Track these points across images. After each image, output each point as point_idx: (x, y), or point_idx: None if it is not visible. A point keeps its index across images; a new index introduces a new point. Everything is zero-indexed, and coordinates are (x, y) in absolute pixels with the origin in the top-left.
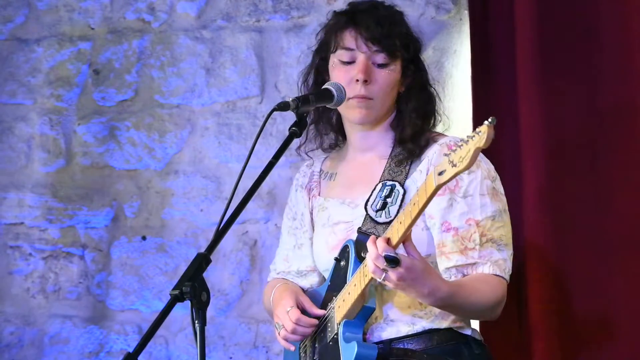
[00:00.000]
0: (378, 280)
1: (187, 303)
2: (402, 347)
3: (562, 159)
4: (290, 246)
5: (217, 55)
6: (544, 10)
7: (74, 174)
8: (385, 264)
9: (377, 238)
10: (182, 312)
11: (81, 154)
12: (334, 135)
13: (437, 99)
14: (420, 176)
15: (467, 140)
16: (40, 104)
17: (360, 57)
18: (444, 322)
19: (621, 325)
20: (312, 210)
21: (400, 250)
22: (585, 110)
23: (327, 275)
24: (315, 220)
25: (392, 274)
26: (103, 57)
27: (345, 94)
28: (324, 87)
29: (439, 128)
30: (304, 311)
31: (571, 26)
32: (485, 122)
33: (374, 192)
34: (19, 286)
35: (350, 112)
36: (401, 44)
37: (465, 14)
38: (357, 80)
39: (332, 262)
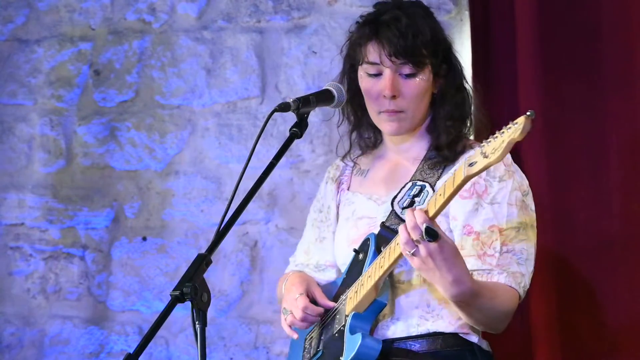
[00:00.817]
0: (407, 254)
1: (188, 304)
2: (404, 347)
3: (562, 160)
4: (313, 239)
5: (217, 56)
6: (545, 11)
7: (75, 175)
8: (421, 234)
9: (416, 209)
10: (183, 312)
11: (82, 155)
12: (373, 134)
13: (472, 99)
14: None
15: (503, 132)
16: (41, 105)
17: (386, 72)
18: (451, 326)
19: (624, 327)
20: (339, 203)
21: None
22: (586, 111)
23: (344, 269)
24: (340, 214)
25: (423, 249)
26: (104, 58)
27: (345, 96)
28: (324, 87)
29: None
30: (314, 301)
31: (572, 27)
32: (525, 114)
33: (403, 189)
34: (19, 287)
35: (383, 126)
36: (428, 52)
37: (466, 14)
38: (385, 96)
39: (351, 256)
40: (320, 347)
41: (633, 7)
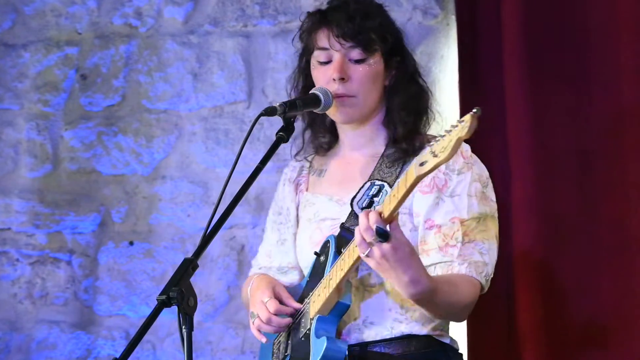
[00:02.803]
0: (362, 255)
1: (175, 308)
2: (378, 350)
3: (550, 164)
4: (274, 241)
5: (204, 60)
6: (531, 16)
7: (61, 179)
8: (374, 236)
9: (369, 210)
10: (170, 317)
11: (68, 159)
12: (329, 136)
13: (428, 93)
14: None
15: (450, 130)
16: (27, 109)
17: (336, 56)
18: (424, 328)
19: (611, 331)
20: (298, 205)
21: None
22: (573, 114)
23: (307, 272)
24: (301, 216)
25: (377, 250)
26: (90, 62)
27: (332, 99)
28: (311, 92)
29: (433, 127)
30: (281, 303)
31: (558, 31)
32: (471, 112)
33: (362, 189)
34: (5, 292)
35: (334, 113)
36: (378, 37)
37: (453, 19)
38: (334, 79)
39: (314, 258)
40: (288, 352)
41: (619, 11)
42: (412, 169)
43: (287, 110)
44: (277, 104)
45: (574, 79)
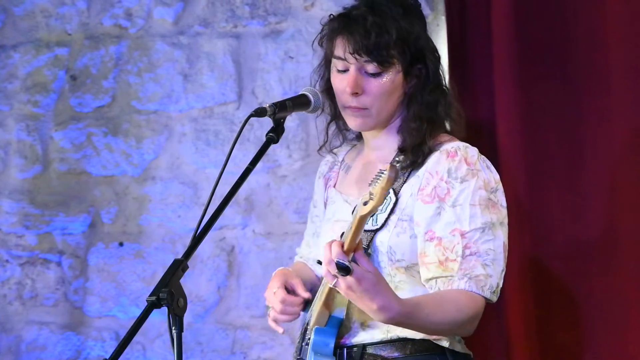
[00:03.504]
0: (330, 285)
1: (164, 309)
2: (374, 353)
3: (539, 165)
4: (311, 233)
5: (194, 61)
6: (521, 17)
7: (51, 180)
8: (336, 270)
9: (333, 242)
10: (160, 318)
11: (58, 160)
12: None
13: (447, 99)
14: (417, 181)
15: (380, 176)
16: (17, 110)
17: (351, 68)
18: (420, 332)
19: (603, 334)
20: (326, 200)
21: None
22: (563, 115)
23: None
24: (326, 212)
25: (342, 282)
26: (80, 63)
27: (321, 100)
28: (301, 92)
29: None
30: (294, 293)
31: (547, 31)
32: (390, 164)
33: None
34: None
35: (348, 120)
36: (396, 51)
37: (443, 19)
38: (348, 92)
39: None
40: (299, 355)
41: (608, 12)
42: (359, 208)
43: (277, 111)
44: (267, 104)
45: (564, 79)
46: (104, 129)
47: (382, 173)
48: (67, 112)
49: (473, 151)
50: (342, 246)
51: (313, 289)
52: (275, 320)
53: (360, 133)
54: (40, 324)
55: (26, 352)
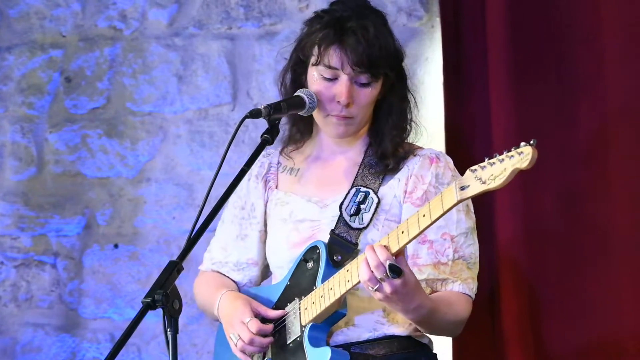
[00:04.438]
0: (369, 289)
1: (160, 311)
2: (361, 352)
3: (534, 166)
4: (233, 235)
5: (189, 62)
6: (516, 18)
7: (46, 182)
8: (384, 273)
9: (373, 246)
10: (155, 320)
11: (53, 162)
12: (304, 130)
13: (415, 107)
14: (399, 184)
15: (502, 159)
16: (12, 112)
17: (344, 78)
18: (405, 330)
19: (596, 335)
20: (266, 202)
21: None
22: (558, 116)
23: (281, 272)
24: (271, 214)
25: (388, 286)
26: (75, 65)
27: (317, 102)
28: (296, 94)
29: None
30: (260, 318)
31: (542, 32)
32: (528, 143)
33: (348, 196)
34: None
35: (329, 128)
36: (388, 65)
37: (437, 21)
38: (339, 102)
39: (292, 260)
40: (269, 356)
41: (603, 13)
42: (452, 192)
43: (272, 113)
44: (262, 106)
45: (558, 80)
46: (98, 131)
47: (519, 153)
48: (61, 114)
49: (449, 158)
50: (387, 249)
51: (258, 296)
52: (243, 351)
53: (307, 136)
54: (36, 325)
55: (21, 354)
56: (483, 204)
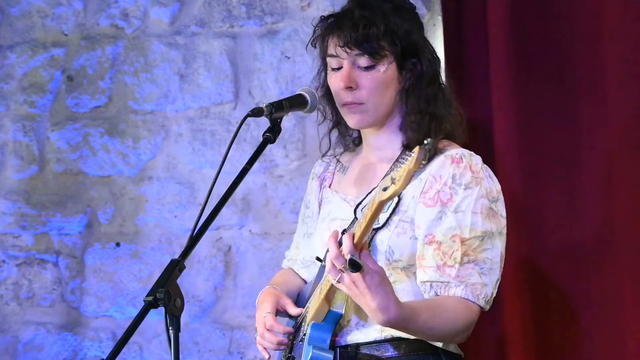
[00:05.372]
0: (332, 281)
1: (162, 309)
2: (368, 352)
3: (536, 166)
4: (301, 234)
5: (190, 61)
6: (517, 17)
7: (48, 181)
8: (343, 264)
9: (344, 236)
10: (157, 318)
11: (55, 161)
12: (356, 132)
13: (447, 94)
14: (419, 184)
15: (405, 159)
16: (14, 111)
17: (344, 63)
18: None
19: (599, 335)
20: (320, 201)
21: None
22: (560, 116)
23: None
24: (320, 212)
25: (347, 277)
26: (76, 64)
27: (318, 99)
28: (297, 92)
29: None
30: (285, 313)
31: (544, 32)
32: (421, 145)
33: (369, 195)
34: None
35: (347, 119)
36: (386, 42)
37: (439, 19)
38: (343, 88)
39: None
40: (292, 354)
41: (605, 12)
42: (377, 194)
43: (274, 111)
44: (264, 104)
45: (560, 80)
46: (100, 129)
47: (409, 155)
48: (63, 112)
49: (477, 159)
50: (353, 239)
51: (300, 293)
52: (260, 344)
53: (360, 138)
54: (37, 324)
55: (23, 353)
56: None
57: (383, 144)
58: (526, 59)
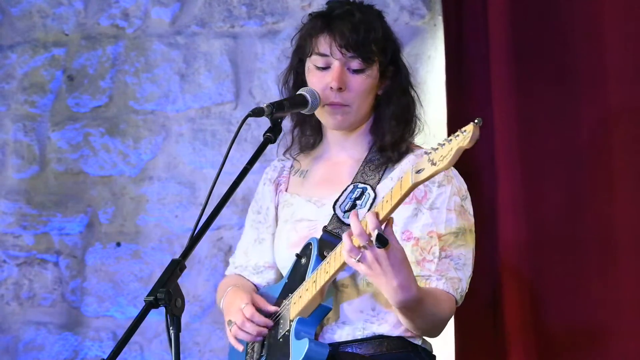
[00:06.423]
0: (352, 260)
1: (162, 309)
2: (350, 351)
3: (536, 166)
4: (251, 240)
5: (191, 61)
6: (518, 17)
7: (48, 181)
8: (367, 241)
9: (368, 213)
10: (157, 318)
11: (55, 161)
12: (315, 136)
13: (417, 104)
14: (391, 183)
15: (450, 139)
16: (14, 111)
17: (335, 64)
18: (396, 330)
19: (599, 334)
20: (277, 205)
21: None
22: (560, 116)
23: (285, 271)
24: (279, 216)
25: (370, 255)
26: (77, 63)
27: (320, 100)
28: (298, 92)
29: (418, 137)
30: (258, 310)
31: (544, 32)
32: (473, 122)
33: (345, 192)
34: None
35: (326, 118)
36: (378, 49)
37: (440, 19)
38: (332, 88)
39: (292, 259)
40: (264, 352)
41: (605, 12)
42: (409, 176)
43: (275, 111)
44: (265, 104)
45: (561, 80)
46: (101, 129)
47: (462, 132)
48: (64, 112)
49: None
50: (377, 216)
51: (263, 295)
52: (236, 336)
53: (319, 139)
54: (38, 324)
55: (24, 352)
56: (485, 205)
57: (350, 145)
58: (527, 58)
